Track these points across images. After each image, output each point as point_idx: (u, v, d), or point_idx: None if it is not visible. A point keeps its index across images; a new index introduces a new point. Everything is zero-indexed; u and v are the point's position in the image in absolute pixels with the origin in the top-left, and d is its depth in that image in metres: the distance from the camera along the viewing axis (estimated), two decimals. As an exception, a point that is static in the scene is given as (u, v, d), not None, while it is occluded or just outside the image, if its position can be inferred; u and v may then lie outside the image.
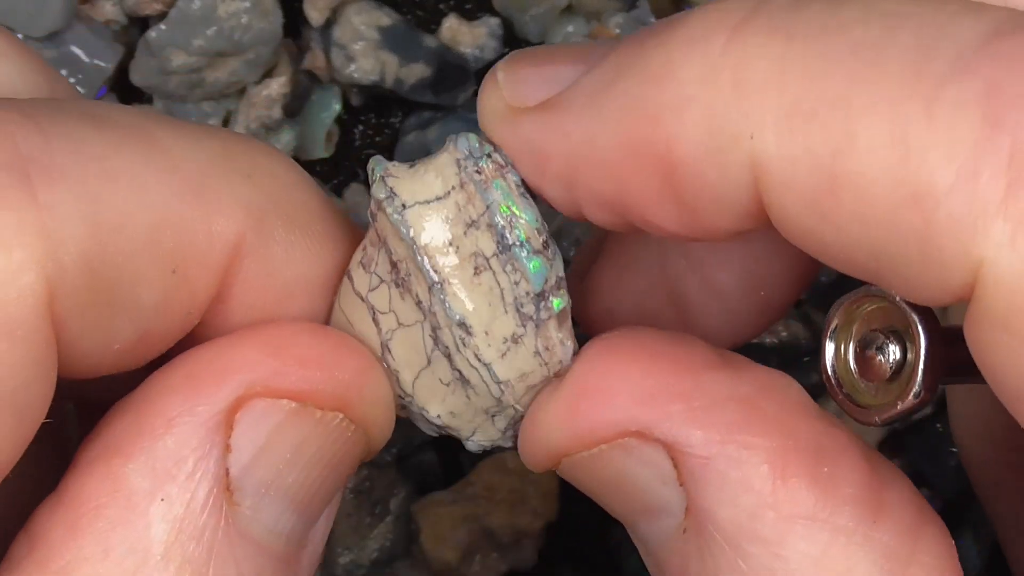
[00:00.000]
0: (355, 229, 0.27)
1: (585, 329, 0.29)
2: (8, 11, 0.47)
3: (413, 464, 0.52)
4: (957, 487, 0.48)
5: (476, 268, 0.25)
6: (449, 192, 0.25)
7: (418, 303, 0.25)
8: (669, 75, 0.23)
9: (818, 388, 0.49)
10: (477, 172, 0.25)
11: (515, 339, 0.25)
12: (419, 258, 0.25)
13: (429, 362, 0.26)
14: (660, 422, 0.24)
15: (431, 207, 0.25)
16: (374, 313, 0.26)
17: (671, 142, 0.23)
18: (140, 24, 0.49)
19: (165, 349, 0.25)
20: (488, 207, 0.25)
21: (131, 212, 0.23)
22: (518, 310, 0.25)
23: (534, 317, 0.25)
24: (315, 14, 0.49)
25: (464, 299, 0.25)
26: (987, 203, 0.20)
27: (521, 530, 0.50)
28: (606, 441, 0.24)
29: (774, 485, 0.23)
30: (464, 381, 0.25)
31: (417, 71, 0.49)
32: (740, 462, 0.23)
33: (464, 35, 0.51)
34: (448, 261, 0.25)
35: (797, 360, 0.48)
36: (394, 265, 0.26)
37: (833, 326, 0.26)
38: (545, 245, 0.25)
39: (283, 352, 0.24)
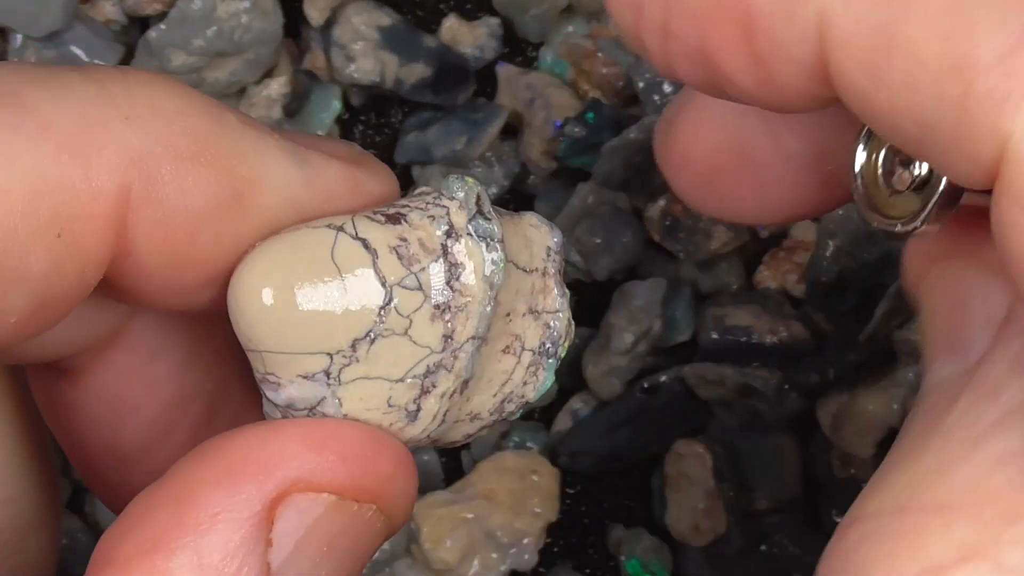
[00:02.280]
0: (259, 128, 0.26)
1: (665, 171, 0.30)
2: (8, 11, 0.47)
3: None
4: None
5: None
6: (534, 271, 0.27)
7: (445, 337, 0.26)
8: None
9: (818, 387, 0.49)
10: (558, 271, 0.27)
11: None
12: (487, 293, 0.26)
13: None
14: None
15: (517, 271, 0.26)
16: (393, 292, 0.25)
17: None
18: (140, 24, 0.49)
19: (68, 312, 0.25)
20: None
21: (4, 186, 0.23)
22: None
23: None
24: (315, 14, 0.49)
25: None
26: (1021, 80, 0.21)
27: (521, 530, 0.50)
28: None
29: None
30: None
31: (417, 71, 0.49)
32: None
33: (464, 35, 0.51)
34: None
35: (797, 360, 0.48)
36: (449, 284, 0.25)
37: (866, 132, 0.26)
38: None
39: (324, 446, 0.24)
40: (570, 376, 0.51)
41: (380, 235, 0.25)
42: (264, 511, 0.24)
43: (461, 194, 0.25)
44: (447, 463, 0.52)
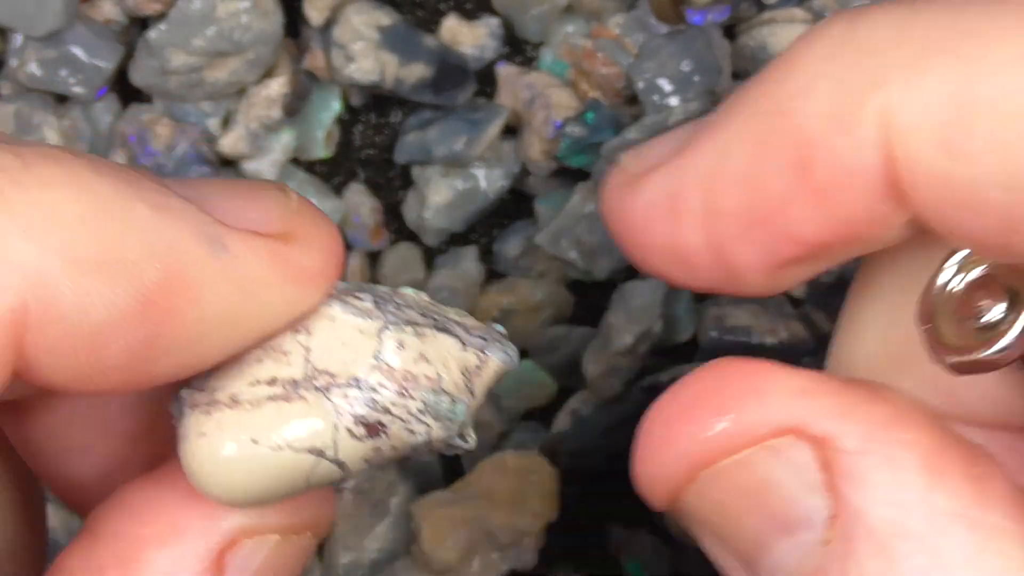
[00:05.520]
0: (175, 212, 0.24)
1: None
2: (8, 11, 0.47)
3: (413, 464, 0.52)
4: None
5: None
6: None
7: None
8: (793, 69, 0.23)
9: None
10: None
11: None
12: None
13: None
14: (815, 417, 0.23)
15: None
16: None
17: (801, 124, 0.23)
18: (140, 24, 0.49)
19: None
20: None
21: None
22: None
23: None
24: (315, 14, 0.49)
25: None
26: None
27: (521, 530, 0.50)
28: (758, 441, 0.23)
29: (931, 481, 0.22)
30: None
31: (417, 71, 0.49)
32: (896, 458, 0.22)
33: (464, 35, 0.51)
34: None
35: (797, 360, 0.48)
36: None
37: (964, 255, 0.25)
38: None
39: None
40: (570, 376, 0.51)
41: (358, 452, 0.25)
42: (213, 565, 0.24)
43: (451, 424, 0.26)
44: (447, 463, 0.52)
